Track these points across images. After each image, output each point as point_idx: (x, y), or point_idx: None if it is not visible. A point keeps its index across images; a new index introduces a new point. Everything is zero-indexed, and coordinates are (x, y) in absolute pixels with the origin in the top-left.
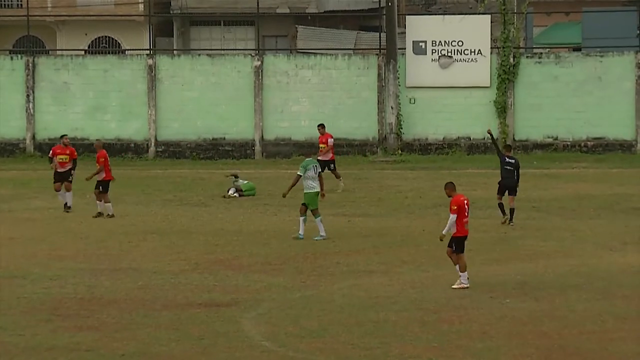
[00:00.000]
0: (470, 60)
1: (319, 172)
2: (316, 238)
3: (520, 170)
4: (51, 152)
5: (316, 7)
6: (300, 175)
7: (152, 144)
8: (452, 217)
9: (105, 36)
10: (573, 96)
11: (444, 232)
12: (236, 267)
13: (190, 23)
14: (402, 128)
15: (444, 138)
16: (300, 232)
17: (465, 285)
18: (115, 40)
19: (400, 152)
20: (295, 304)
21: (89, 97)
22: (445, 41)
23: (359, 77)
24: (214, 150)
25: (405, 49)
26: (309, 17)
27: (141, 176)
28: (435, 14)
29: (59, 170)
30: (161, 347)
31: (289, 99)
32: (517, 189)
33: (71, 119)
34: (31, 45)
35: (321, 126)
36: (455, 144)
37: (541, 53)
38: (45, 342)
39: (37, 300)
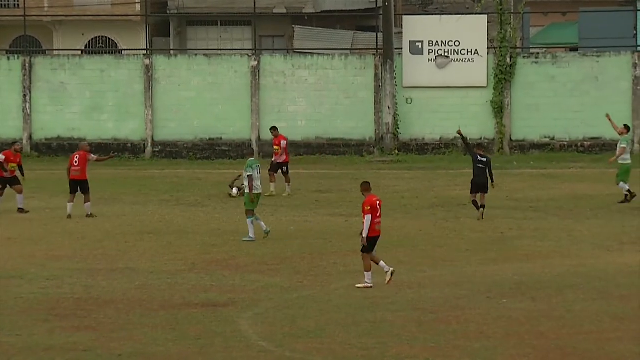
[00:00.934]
0: (467, 61)
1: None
2: (245, 239)
3: (518, 171)
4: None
5: (313, 7)
6: (251, 175)
7: (149, 144)
8: (368, 217)
9: (102, 36)
10: (570, 96)
11: (364, 235)
12: (233, 267)
13: (187, 23)
14: (399, 128)
15: (440, 138)
16: (263, 230)
17: (369, 285)
18: (112, 40)
19: (397, 152)
20: (293, 304)
21: (86, 97)
22: (442, 41)
23: (355, 77)
24: (210, 151)
25: (402, 49)
26: (306, 17)
27: (138, 176)
28: (432, 14)
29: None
30: (158, 347)
31: (285, 99)
32: (493, 185)
33: (68, 119)
34: (28, 45)
35: (274, 129)
36: (452, 144)
37: (538, 53)
38: (43, 342)
39: (34, 301)
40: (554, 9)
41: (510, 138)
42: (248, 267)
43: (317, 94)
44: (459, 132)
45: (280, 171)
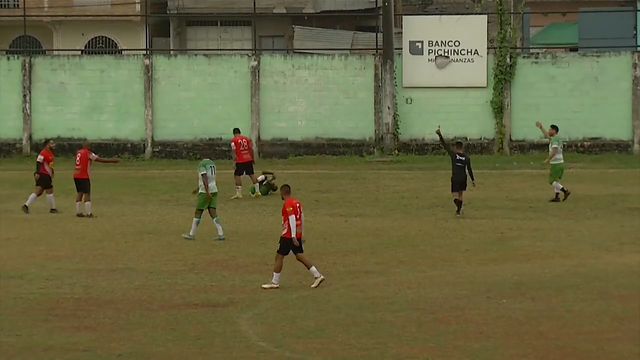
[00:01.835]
0: (466, 61)
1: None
2: (185, 236)
3: (518, 171)
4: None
5: (313, 8)
6: (205, 174)
7: (149, 144)
8: (292, 217)
9: (102, 36)
10: (570, 96)
11: (294, 236)
12: (233, 267)
13: (187, 23)
14: (398, 128)
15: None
16: (220, 234)
17: (276, 286)
18: (112, 41)
19: (396, 152)
20: (292, 304)
21: (86, 97)
22: (441, 41)
23: (355, 77)
24: (210, 151)
25: (401, 49)
26: (306, 17)
27: (138, 176)
28: (432, 14)
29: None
30: (158, 347)
31: (285, 99)
32: (474, 184)
33: (68, 119)
34: (28, 45)
35: (236, 130)
36: (451, 144)
37: (538, 53)
38: (42, 342)
39: (34, 301)
40: (553, 9)
41: (510, 138)
42: (248, 267)
43: (317, 94)
44: (438, 132)
45: (244, 172)
